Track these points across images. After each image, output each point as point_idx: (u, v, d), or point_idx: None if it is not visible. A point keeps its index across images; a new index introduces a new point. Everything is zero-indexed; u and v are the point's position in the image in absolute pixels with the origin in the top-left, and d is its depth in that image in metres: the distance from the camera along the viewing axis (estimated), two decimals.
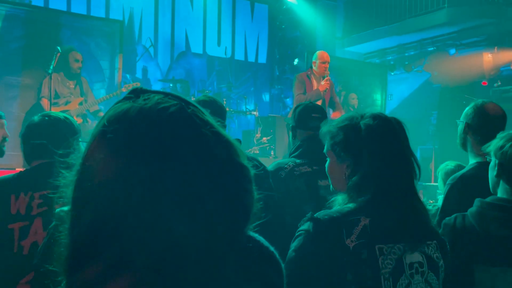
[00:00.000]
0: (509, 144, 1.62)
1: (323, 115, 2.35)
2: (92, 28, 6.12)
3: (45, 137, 1.72)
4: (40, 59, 5.24)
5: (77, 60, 5.34)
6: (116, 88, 6.19)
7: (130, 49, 8.63)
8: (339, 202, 1.28)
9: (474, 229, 1.55)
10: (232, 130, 8.57)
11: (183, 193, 0.53)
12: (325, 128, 1.38)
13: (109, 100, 5.60)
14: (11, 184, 1.61)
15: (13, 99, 5.53)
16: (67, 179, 0.58)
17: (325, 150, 1.39)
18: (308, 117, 2.31)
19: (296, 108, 2.40)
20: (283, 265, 0.72)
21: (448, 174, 3.02)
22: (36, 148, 1.72)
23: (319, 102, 5.29)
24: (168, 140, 0.54)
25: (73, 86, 5.39)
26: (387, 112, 9.43)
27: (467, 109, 2.28)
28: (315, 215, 1.21)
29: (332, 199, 1.30)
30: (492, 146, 1.69)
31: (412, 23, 8.51)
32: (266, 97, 10.85)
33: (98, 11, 8.30)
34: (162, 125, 0.55)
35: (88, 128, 5.31)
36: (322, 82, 5.48)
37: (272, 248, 0.70)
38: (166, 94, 0.60)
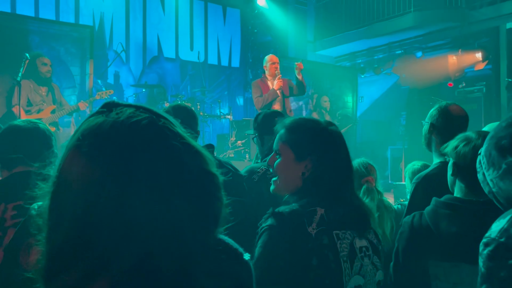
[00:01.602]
0: (463, 144, 1.70)
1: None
2: (61, 33, 6.03)
3: (21, 146, 1.69)
4: (8, 66, 5.12)
5: (45, 64, 5.22)
6: (87, 93, 6.11)
7: (101, 54, 8.52)
8: (290, 198, 1.41)
9: (428, 227, 1.62)
10: (206, 134, 8.58)
11: (155, 202, 0.57)
12: (285, 125, 1.46)
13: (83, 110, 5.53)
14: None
15: None
16: (43, 190, 0.61)
17: (277, 147, 1.45)
18: (272, 121, 2.36)
19: (257, 117, 2.46)
20: (252, 266, 0.77)
21: (414, 173, 3.12)
22: (11, 157, 1.68)
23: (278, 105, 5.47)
24: (140, 152, 0.58)
25: (45, 94, 5.27)
26: (359, 114, 9.69)
27: (432, 111, 2.38)
28: (275, 210, 1.31)
29: (285, 198, 1.42)
30: (449, 146, 1.77)
31: (380, 27, 8.75)
32: (240, 101, 10.90)
33: (67, 16, 8.16)
34: (134, 138, 0.58)
35: (60, 136, 5.23)
36: (275, 82, 5.76)
37: (241, 250, 0.75)
38: (137, 108, 0.63)
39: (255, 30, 10.56)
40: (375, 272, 1.33)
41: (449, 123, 2.31)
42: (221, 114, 8.46)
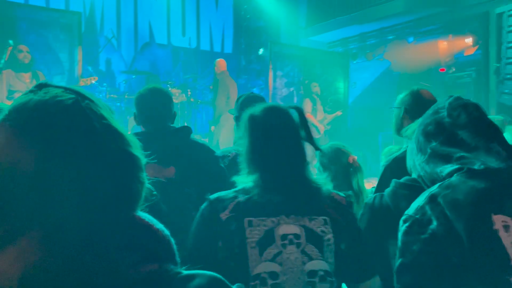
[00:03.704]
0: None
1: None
2: (49, 20, 6.03)
3: None
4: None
5: (20, 51, 5.20)
6: (77, 80, 6.13)
7: (92, 41, 8.50)
8: (242, 181, 1.44)
9: (388, 207, 1.68)
10: (198, 121, 8.62)
11: (70, 178, 0.63)
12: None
13: None
14: None
15: None
16: None
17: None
18: (251, 106, 2.41)
19: (239, 98, 2.50)
20: (173, 241, 0.83)
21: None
22: None
23: None
24: (60, 129, 0.63)
25: (28, 80, 5.29)
26: (351, 100, 9.70)
27: (403, 96, 2.40)
28: (210, 196, 1.40)
29: (237, 177, 1.45)
30: (409, 130, 1.82)
31: (372, 12, 8.71)
32: None
33: (57, 3, 8.13)
34: (55, 116, 0.63)
35: None
36: None
37: (160, 226, 0.80)
38: (65, 89, 0.68)
39: (248, 16, 10.52)
40: (304, 261, 1.29)
41: (421, 107, 2.35)
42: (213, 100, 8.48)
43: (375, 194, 1.81)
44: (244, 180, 1.41)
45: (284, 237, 1.29)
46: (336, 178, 2.61)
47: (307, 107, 7.97)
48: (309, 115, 7.94)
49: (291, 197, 1.36)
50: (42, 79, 5.40)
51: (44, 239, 0.63)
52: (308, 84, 8.17)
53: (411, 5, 7.96)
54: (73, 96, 0.66)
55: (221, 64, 7.48)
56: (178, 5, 9.83)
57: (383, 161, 3.38)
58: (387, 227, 1.68)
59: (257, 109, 1.45)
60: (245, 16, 10.55)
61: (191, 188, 1.90)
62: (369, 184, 5.39)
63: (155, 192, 1.45)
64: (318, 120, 8.02)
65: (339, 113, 8.20)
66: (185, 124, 7.43)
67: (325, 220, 1.35)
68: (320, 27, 9.84)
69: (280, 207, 1.33)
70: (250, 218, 1.31)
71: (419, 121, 1.83)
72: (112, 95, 7.13)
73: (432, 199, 1.04)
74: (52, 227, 0.63)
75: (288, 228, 1.31)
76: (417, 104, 2.34)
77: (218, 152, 2.34)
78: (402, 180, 1.73)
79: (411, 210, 1.09)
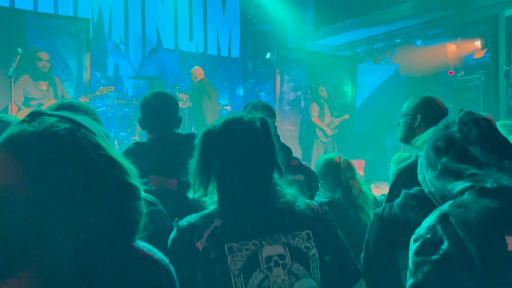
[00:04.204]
0: None
1: (271, 114, 2.44)
2: (57, 27, 6.08)
3: None
4: (4, 60, 5.18)
5: (40, 59, 5.24)
6: (85, 86, 6.17)
7: (101, 46, 8.56)
8: (207, 203, 1.33)
9: (398, 218, 1.65)
10: None
11: (64, 209, 0.62)
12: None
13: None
14: None
15: None
16: None
17: None
18: None
19: (245, 107, 2.49)
20: (172, 269, 0.81)
21: (403, 161, 3.13)
22: None
23: None
24: (55, 160, 0.62)
25: (45, 88, 5.32)
26: (358, 103, 9.66)
27: (417, 103, 2.35)
28: (179, 222, 1.27)
29: (206, 199, 1.33)
30: (420, 140, 1.80)
31: (379, 15, 8.68)
32: (240, 91, 10.92)
33: (66, 9, 8.20)
34: (51, 147, 0.62)
35: None
36: None
37: (159, 255, 0.78)
38: (60, 118, 0.67)
39: (255, 20, 10.53)
40: (291, 282, 1.21)
41: (437, 115, 2.29)
42: (220, 105, 8.49)
43: (384, 205, 1.79)
44: (206, 201, 1.31)
45: (268, 259, 1.20)
46: (337, 186, 2.62)
47: (314, 111, 7.95)
48: (316, 119, 7.91)
49: (268, 216, 1.26)
50: (59, 85, 5.45)
51: (41, 272, 0.62)
52: (315, 88, 8.14)
53: (419, 8, 7.91)
54: (68, 126, 0.65)
55: (198, 72, 7.17)
56: (185, 10, 9.87)
57: (393, 168, 3.37)
58: (396, 238, 1.66)
59: (217, 122, 1.31)
60: (252, 21, 10.56)
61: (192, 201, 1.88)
62: (378, 189, 5.37)
63: (160, 206, 1.44)
64: (326, 124, 7.99)
65: (346, 116, 8.16)
66: (193, 129, 7.46)
67: (308, 234, 1.27)
68: (327, 30, 9.82)
69: (260, 228, 1.23)
70: (231, 244, 1.19)
71: (429, 131, 1.81)
72: (120, 101, 7.16)
73: (443, 218, 1.02)
74: (49, 259, 0.62)
75: (272, 249, 1.21)
76: (434, 112, 2.31)
77: None
78: (412, 190, 1.71)
79: (421, 229, 1.07)
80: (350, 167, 2.58)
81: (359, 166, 8.79)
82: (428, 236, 1.02)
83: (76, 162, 0.63)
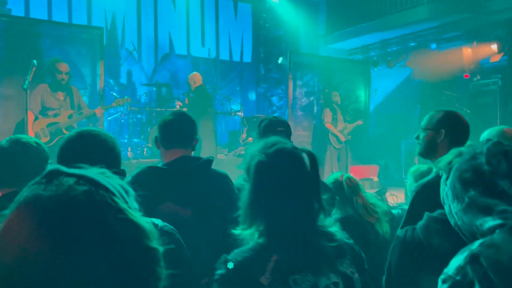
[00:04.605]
0: (457, 159, 1.69)
1: (287, 129, 2.41)
2: (72, 36, 6.13)
3: (13, 165, 1.69)
4: (20, 69, 5.23)
5: (60, 72, 5.26)
6: (99, 94, 6.21)
7: (114, 53, 8.63)
8: (249, 235, 1.31)
9: (421, 242, 1.61)
10: (218, 131, 8.64)
11: (84, 277, 0.60)
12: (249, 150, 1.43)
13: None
14: None
15: None
16: None
17: None
18: (273, 130, 2.36)
19: (261, 122, 2.45)
20: None
21: (417, 178, 3.07)
22: (4, 176, 1.70)
23: None
24: (73, 227, 0.61)
25: (62, 98, 5.36)
26: (372, 107, 9.57)
27: (440, 118, 2.27)
28: (228, 256, 1.24)
29: (239, 233, 1.32)
30: (443, 161, 1.75)
31: (393, 19, 8.60)
32: (252, 96, 10.91)
33: (80, 17, 8.29)
34: (69, 214, 0.61)
35: None
36: None
37: None
38: (79, 178, 0.65)
39: (267, 25, 10.52)
40: None
41: (462, 133, 2.24)
42: (232, 110, 8.49)
43: (406, 227, 1.75)
44: (248, 233, 1.30)
45: None
46: (345, 204, 2.61)
47: (328, 117, 7.89)
48: (329, 125, 7.85)
49: (318, 245, 1.28)
50: (76, 94, 5.48)
51: None
52: (329, 93, 8.08)
53: (434, 11, 7.82)
54: (86, 188, 0.64)
55: (197, 78, 7.04)
56: (197, 16, 9.90)
57: (410, 180, 3.30)
58: (419, 262, 1.62)
59: (266, 150, 1.31)
60: (264, 25, 10.55)
61: (207, 231, 1.86)
62: (393, 198, 5.28)
63: (177, 235, 1.42)
64: (339, 129, 7.92)
65: (360, 122, 8.08)
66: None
67: (349, 260, 1.33)
68: (340, 34, 9.76)
69: (313, 259, 1.25)
70: (294, 277, 1.20)
71: (452, 152, 1.76)
72: (133, 108, 7.20)
73: (473, 259, 0.98)
74: None
75: (327, 278, 1.24)
76: (458, 128, 2.25)
77: (239, 179, 2.30)
78: (435, 213, 1.67)
79: (450, 269, 1.02)
80: (352, 185, 2.56)
81: (373, 172, 8.69)
82: (458, 278, 0.98)
83: (94, 228, 0.62)
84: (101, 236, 0.62)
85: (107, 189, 0.66)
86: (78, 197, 0.62)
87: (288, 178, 1.28)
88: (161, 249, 0.68)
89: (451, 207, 1.17)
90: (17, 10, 7.41)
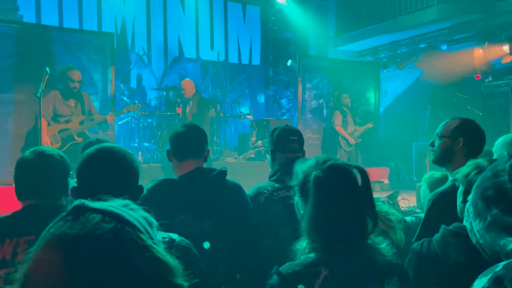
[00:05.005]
0: (474, 172, 1.67)
1: (300, 138, 2.39)
2: (83, 42, 6.18)
3: (36, 177, 1.69)
4: (32, 75, 5.29)
5: (72, 81, 5.30)
6: (110, 99, 6.25)
7: (124, 58, 8.68)
8: (301, 250, 1.35)
9: (437, 255, 1.60)
10: (228, 134, 8.65)
11: None
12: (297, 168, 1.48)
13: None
14: None
15: (7, 115, 5.61)
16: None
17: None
18: (286, 140, 2.35)
19: (273, 131, 2.43)
20: None
21: (430, 185, 3.04)
22: (27, 188, 1.70)
23: None
24: (99, 266, 0.62)
25: (74, 105, 5.40)
26: (382, 109, 9.52)
27: (457, 125, 2.24)
28: (280, 268, 1.28)
29: (295, 246, 1.36)
30: (460, 173, 1.73)
31: (403, 21, 8.55)
32: (261, 99, 10.90)
33: (90, 22, 8.36)
34: (95, 252, 0.62)
35: None
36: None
37: None
38: (104, 214, 0.66)
39: (275, 27, 10.51)
40: None
41: (479, 141, 2.23)
42: (242, 114, 8.49)
43: (422, 240, 1.73)
44: (303, 246, 1.34)
45: None
46: None
47: (337, 119, 7.86)
48: (339, 128, 7.82)
49: (367, 263, 1.29)
50: (87, 100, 5.51)
51: None
52: (338, 96, 8.05)
53: (445, 13, 7.76)
54: (111, 225, 0.64)
55: (192, 85, 6.82)
56: (206, 20, 9.93)
57: (424, 187, 3.26)
58: (435, 275, 1.61)
59: (320, 166, 1.36)
60: (272, 28, 10.55)
61: (223, 242, 1.87)
62: (405, 202, 5.24)
63: (194, 250, 1.42)
64: (349, 132, 7.89)
65: (370, 125, 8.04)
66: (215, 139, 7.48)
67: (396, 280, 1.33)
68: (349, 36, 9.72)
69: (361, 276, 1.27)
70: None
71: (469, 164, 1.73)
72: (143, 112, 7.23)
73: (497, 282, 0.96)
74: None
75: None
76: (476, 137, 2.23)
77: (253, 189, 2.29)
78: (451, 227, 1.65)
79: None
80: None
81: (383, 174, 8.63)
82: None
83: (121, 266, 0.63)
84: (127, 275, 0.63)
85: (132, 225, 0.67)
86: (105, 235, 0.63)
87: (342, 193, 1.31)
88: (185, 284, 0.69)
89: (473, 225, 1.15)
90: (28, 16, 7.49)
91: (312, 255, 1.30)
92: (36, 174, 1.71)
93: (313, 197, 1.32)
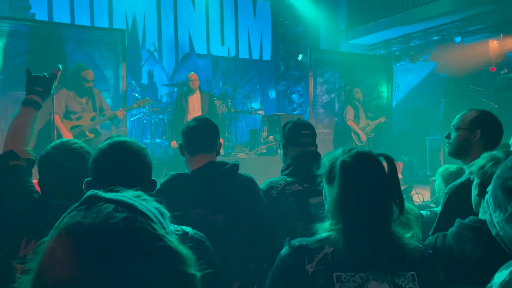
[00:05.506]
0: (490, 164, 1.63)
1: (312, 132, 2.37)
2: (94, 39, 6.21)
3: (62, 176, 1.61)
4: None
5: (87, 81, 5.30)
6: (121, 96, 6.28)
7: (135, 54, 8.73)
8: (324, 228, 1.37)
9: (452, 249, 1.57)
10: (239, 130, 8.64)
11: None
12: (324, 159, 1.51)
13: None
14: (26, 227, 1.51)
15: None
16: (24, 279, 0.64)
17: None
18: (298, 133, 2.33)
19: (285, 125, 2.41)
20: None
21: (445, 178, 2.99)
22: (53, 186, 1.63)
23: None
24: (112, 255, 0.61)
25: (85, 101, 5.43)
26: (395, 103, 9.40)
27: (475, 117, 2.21)
28: (292, 241, 1.34)
29: (319, 225, 1.39)
30: (475, 165, 1.70)
31: (415, 13, 8.42)
32: (272, 94, 10.87)
33: (101, 18, 8.41)
34: (109, 241, 0.62)
35: (102, 139, 5.41)
36: None
37: None
38: (117, 204, 0.65)
39: (286, 22, 10.45)
40: None
41: (497, 133, 2.19)
42: (253, 109, 8.47)
43: (437, 234, 1.70)
44: (325, 227, 1.35)
45: None
46: None
47: (349, 114, 7.79)
48: (350, 123, 7.75)
49: (379, 252, 1.28)
50: (98, 97, 5.54)
51: None
52: (350, 90, 7.97)
53: (458, 4, 7.62)
54: (124, 215, 0.64)
55: (197, 78, 6.79)
56: (217, 15, 9.92)
57: (438, 180, 3.22)
58: (451, 270, 1.57)
59: (346, 153, 1.38)
60: (283, 22, 10.48)
61: (237, 236, 1.86)
62: (419, 196, 5.18)
63: (207, 243, 1.41)
64: (361, 127, 7.81)
65: (382, 119, 7.95)
66: (226, 134, 7.48)
67: (412, 275, 1.30)
68: (361, 30, 9.62)
69: (368, 262, 1.26)
70: (339, 273, 1.25)
71: (484, 156, 1.69)
72: (155, 109, 7.26)
73: None
74: None
75: (377, 285, 1.25)
76: (494, 129, 2.19)
77: (265, 183, 2.28)
78: (466, 220, 1.61)
79: (494, 284, 0.98)
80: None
81: (397, 169, 8.55)
82: None
83: (133, 255, 0.62)
84: (140, 263, 0.62)
85: (145, 215, 0.66)
86: (118, 224, 0.62)
87: (368, 176, 1.33)
88: (198, 274, 0.68)
89: (493, 217, 1.12)
90: (40, 14, 7.56)
91: (325, 234, 1.33)
92: (63, 173, 1.63)
93: (338, 180, 1.34)
